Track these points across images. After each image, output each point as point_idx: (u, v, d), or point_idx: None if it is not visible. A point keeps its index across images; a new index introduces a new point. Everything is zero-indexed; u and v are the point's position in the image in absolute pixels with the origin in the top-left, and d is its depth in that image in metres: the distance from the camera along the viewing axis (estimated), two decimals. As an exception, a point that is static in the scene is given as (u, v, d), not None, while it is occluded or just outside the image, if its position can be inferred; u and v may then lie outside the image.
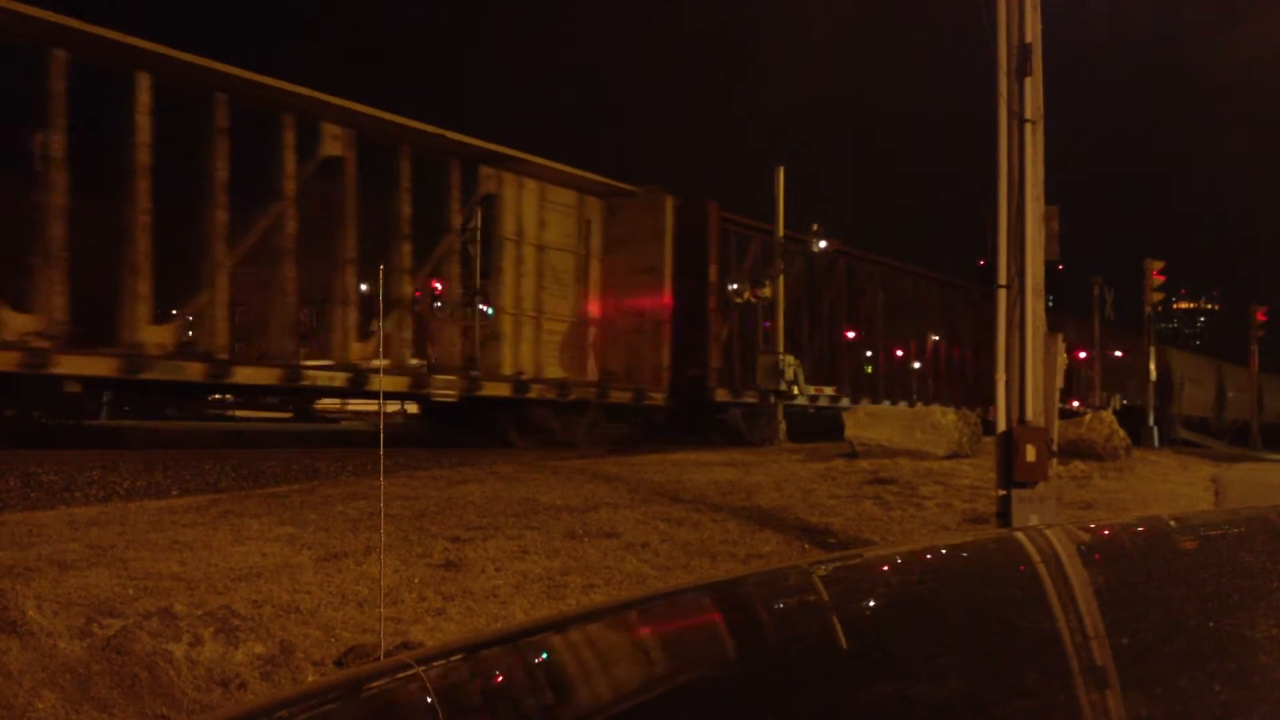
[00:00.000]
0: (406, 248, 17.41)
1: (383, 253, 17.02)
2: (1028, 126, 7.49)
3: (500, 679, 1.27)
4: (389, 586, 5.84)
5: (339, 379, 16.20)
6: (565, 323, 20.63)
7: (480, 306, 19.39)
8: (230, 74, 15.02)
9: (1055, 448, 8.68)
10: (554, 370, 19.97)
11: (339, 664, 4.40)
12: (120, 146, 14.33)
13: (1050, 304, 9.03)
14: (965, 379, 32.56)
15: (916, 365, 30.85)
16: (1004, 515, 7.40)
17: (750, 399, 22.45)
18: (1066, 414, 17.93)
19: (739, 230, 23.40)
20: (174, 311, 15.44)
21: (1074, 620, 1.41)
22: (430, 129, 17.53)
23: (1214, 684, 1.11)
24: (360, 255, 16.67)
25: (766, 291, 23.00)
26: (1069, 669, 1.21)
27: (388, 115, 16.84)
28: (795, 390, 22.63)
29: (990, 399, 7.79)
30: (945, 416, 15.24)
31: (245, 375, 15.28)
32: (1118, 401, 34.16)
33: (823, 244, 23.50)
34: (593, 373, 20.95)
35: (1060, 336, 8.91)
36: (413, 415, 21.28)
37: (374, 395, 17.26)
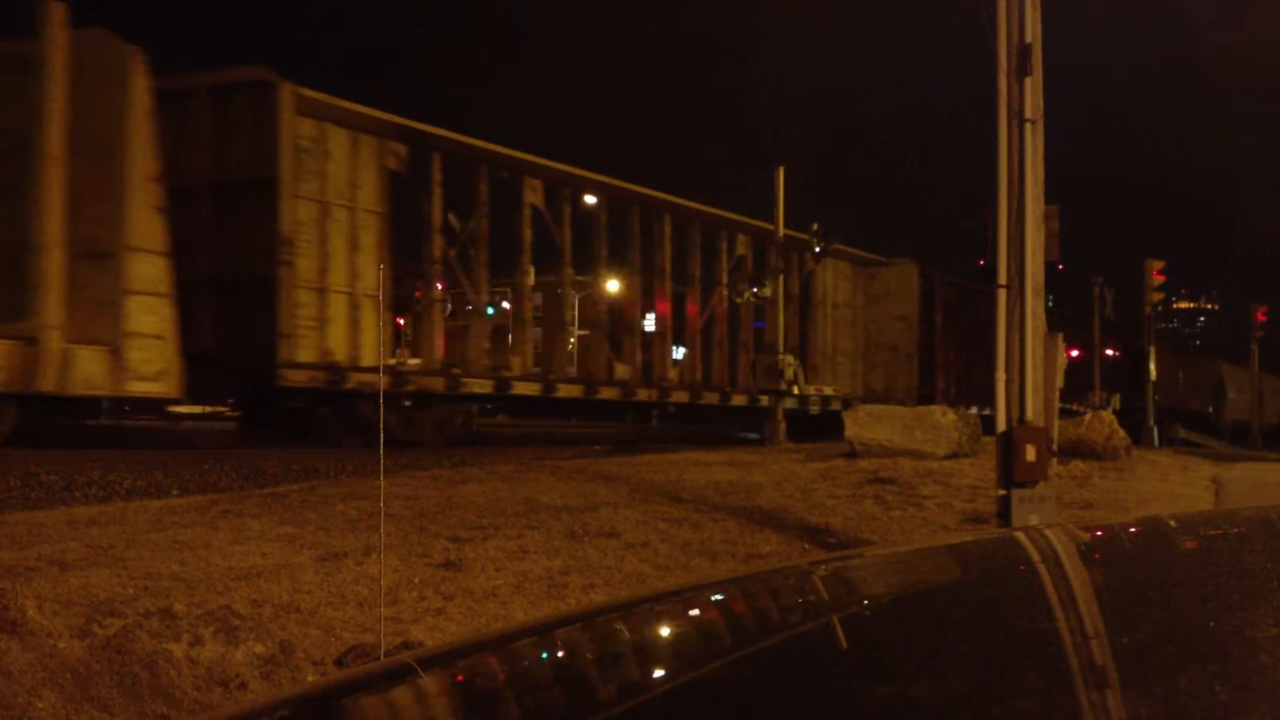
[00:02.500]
0: (772, 311, 25.39)
1: (768, 315, 25.13)
2: (1028, 126, 7.48)
3: (500, 679, 1.27)
4: (389, 586, 5.84)
5: (744, 399, 24.54)
6: (848, 356, 28.56)
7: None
8: (736, 219, 24.73)
9: (1055, 448, 8.68)
10: (842, 390, 27.11)
11: (339, 664, 4.40)
12: (656, 259, 23.44)
13: (1050, 304, 9.03)
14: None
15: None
16: (1004, 515, 7.40)
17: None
18: (1067, 414, 18.03)
19: (950, 285, 30.95)
20: (673, 361, 24.05)
21: (1074, 620, 1.41)
22: (792, 233, 24.35)
23: (1214, 684, 1.11)
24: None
25: (766, 291, 23.42)
26: (1069, 669, 1.21)
27: (765, 224, 24.04)
28: (795, 389, 23.52)
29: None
30: (945, 416, 15.23)
31: (736, 400, 24.63)
32: (1117, 401, 34.46)
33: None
34: (860, 391, 27.76)
35: (1060, 336, 8.91)
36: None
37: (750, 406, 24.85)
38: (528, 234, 19.94)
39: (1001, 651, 1.31)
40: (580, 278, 22.14)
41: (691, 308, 24.08)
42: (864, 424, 15.08)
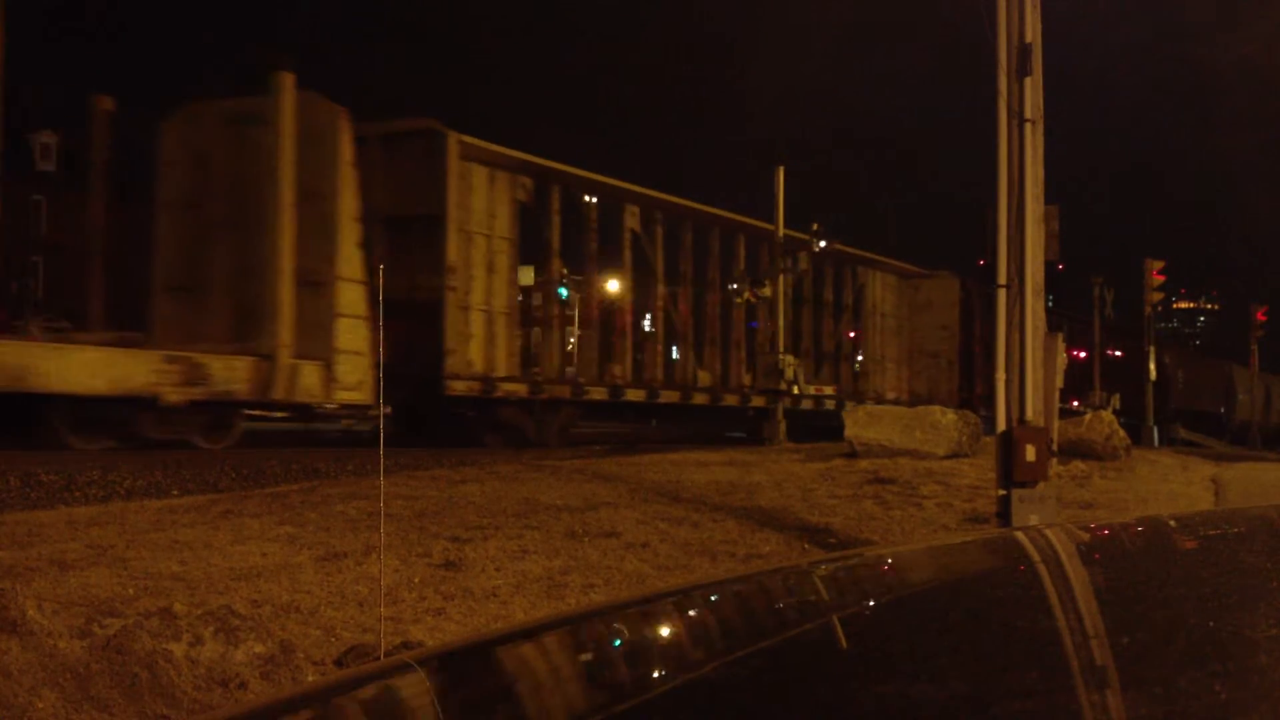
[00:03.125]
0: (830, 322, 29.22)
1: (827, 325, 29.10)
2: (1028, 126, 7.49)
3: (499, 679, 1.27)
4: (389, 586, 5.84)
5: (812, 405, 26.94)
6: (895, 362, 31.25)
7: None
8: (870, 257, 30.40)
9: (1055, 447, 8.68)
10: (890, 393, 29.46)
11: (339, 664, 4.40)
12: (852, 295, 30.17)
13: (1050, 304, 9.02)
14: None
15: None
16: (1004, 515, 7.40)
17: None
18: (1066, 413, 18.06)
19: (987, 295, 31.39)
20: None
21: (1074, 620, 1.41)
22: (843, 247, 27.69)
23: (1214, 684, 1.11)
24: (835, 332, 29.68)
25: (766, 292, 23.46)
26: (1069, 669, 1.21)
27: (854, 251, 29.28)
28: (795, 390, 23.55)
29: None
30: (945, 416, 15.22)
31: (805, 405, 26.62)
32: (1117, 401, 34.62)
33: (822, 243, 23.97)
34: (906, 395, 29.81)
35: (1060, 336, 8.91)
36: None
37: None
38: (627, 255, 22.50)
39: (1001, 651, 1.31)
40: (665, 292, 23.94)
41: (762, 317, 26.39)
42: (864, 424, 15.07)
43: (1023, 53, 7.47)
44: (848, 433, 15.02)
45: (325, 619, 5.17)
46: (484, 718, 1.17)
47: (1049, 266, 7.86)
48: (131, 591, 5.45)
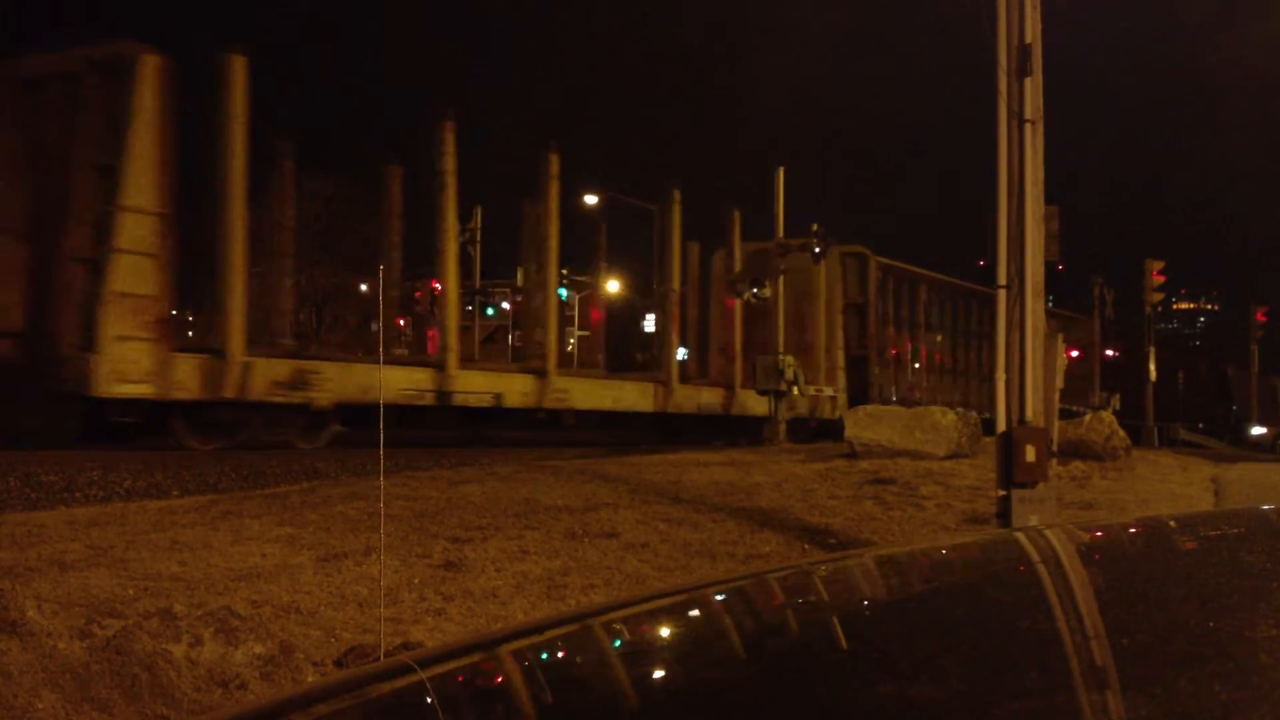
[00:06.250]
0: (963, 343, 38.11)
1: (959, 348, 37.57)
2: (1028, 127, 7.48)
3: (500, 679, 1.27)
4: (389, 587, 5.84)
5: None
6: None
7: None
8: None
9: (1055, 448, 8.68)
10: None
11: (339, 664, 4.40)
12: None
13: (1050, 304, 9.02)
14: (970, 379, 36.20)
15: (916, 365, 34.44)
16: (1004, 515, 7.40)
17: None
18: (1067, 414, 18.09)
19: (1118, 331, 45.43)
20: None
21: (1074, 620, 1.41)
22: (960, 283, 37.77)
23: (1214, 684, 1.11)
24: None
25: (766, 292, 23.49)
26: (1069, 669, 1.21)
27: (987, 289, 32.76)
28: (795, 390, 23.73)
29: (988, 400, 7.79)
30: (945, 417, 15.21)
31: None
32: (1117, 401, 34.78)
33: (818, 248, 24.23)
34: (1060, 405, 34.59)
35: (1060, 336, 8.91)
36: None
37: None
38: (921, 316, 34.30)
39: (1001, 651, 1.31)
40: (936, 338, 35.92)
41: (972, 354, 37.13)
42: (864, 424, 15.05)
43: (1023, 53, 7.47)
44: (848, 433, 15.00)
45: (325, 619, 5.17)
46: (484, 718, 1.17)
47: (1049, 266, 7.86)
48: (131, 592, 5.44)
